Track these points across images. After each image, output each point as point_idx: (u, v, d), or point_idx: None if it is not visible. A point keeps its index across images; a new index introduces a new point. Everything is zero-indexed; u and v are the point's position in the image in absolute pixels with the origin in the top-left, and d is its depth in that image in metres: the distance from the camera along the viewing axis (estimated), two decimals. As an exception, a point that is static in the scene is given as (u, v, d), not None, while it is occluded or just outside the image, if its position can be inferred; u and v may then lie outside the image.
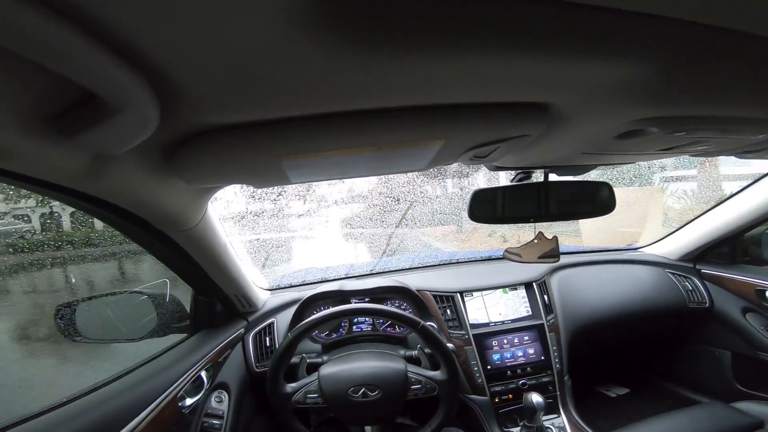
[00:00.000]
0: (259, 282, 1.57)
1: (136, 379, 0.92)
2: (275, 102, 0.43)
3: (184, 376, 1.00)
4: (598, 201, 0.94)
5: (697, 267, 1.74)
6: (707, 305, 1.65)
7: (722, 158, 3.54)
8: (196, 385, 1.06)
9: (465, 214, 0.97)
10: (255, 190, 2.46)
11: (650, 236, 1.95)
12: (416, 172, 2.52)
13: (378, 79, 0.39)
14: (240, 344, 1.33)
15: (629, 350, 2.02)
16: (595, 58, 0.38)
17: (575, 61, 0.39)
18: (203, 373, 1.08)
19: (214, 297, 1.25)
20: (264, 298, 1.49)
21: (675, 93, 0.46)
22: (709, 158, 3.55)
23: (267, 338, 1.37)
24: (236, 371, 1.25)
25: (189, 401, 1.01)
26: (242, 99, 0.42)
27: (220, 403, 1.13)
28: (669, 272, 1.72)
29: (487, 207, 0.95)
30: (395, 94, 0.44)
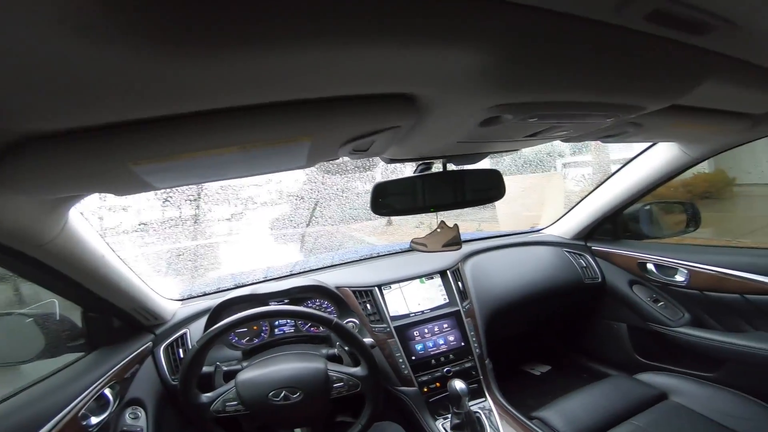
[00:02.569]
0: (167, 293, 1.47)
1: (28, 400, 0.87)
2: (98, 107, 0.40)
3: (84, 394, 0.96)
4: (491, 188, 0.99)
5: (588, 244, 1.89)
6: (599, 280, 1.78)
7: (610, 144, 4.00)
8: (101, 403, 1.02)
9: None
10: (163, 197, 2.26)
11: (550, 218, 2.11)
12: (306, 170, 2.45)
13: (210, 78, 0.37)
14: (150, 358, 1.26)
15: (544, 328, 2.13)
16: (446, 45, 0.39)
17: (428, 49, 0.39)
18: (107, 391, 1.04)
19: (106, 313, 1.17)
20: (173, 309, 1.41)
21: (522, 79, 0.49)
22: (599, 144, 3.98)
23: (180, 350, 1.31)
24: (150, 386, 1.21)
25: (95, 419, 0.98)
26: (58, 106, 0.38)
27: (136, 420, 1.09)
28: (566, 251, 1.86)
29: (389, 199, 0.95)
30: (251, 91, 0.42)
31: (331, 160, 0.74)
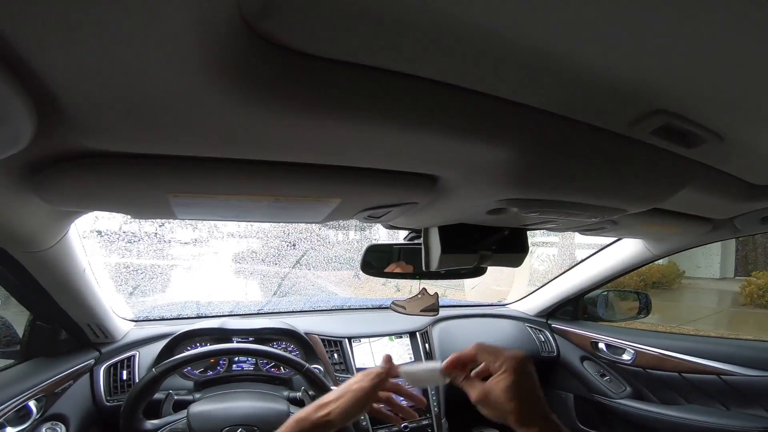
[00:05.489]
0: (122, 311, 1.44)
1: None
2: (170, 140, 0.42)
3: (6, 405, 0.93)
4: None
5: (549, 322, 2.01)
6: (555, 354, 1.89)
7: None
8: (21, 414, 0.99)
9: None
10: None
11: (516, 294, 2.22)
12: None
13: (279, 135, 0.41)
14: (86, 376, 1.21)
15: None
16: (473, 139, 0.44)
17: (458, 140, 0.44)
18: (32, 403, 1.01)
19: (58, 323, 1.13)
20: (125, 329, 1.37)
21: (535, 179, 0.53)
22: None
23: (124, 371, 1.26)
24: (78, 403, 1.16)
25: (10, 430, 0.95)
26: (135, 131, 0.39)
27: None
28: (528, 326, 1.96)
29: (378, 262, 1.01)
30: (296, 151, 0.46)
31: (345, 219, 0.80)
